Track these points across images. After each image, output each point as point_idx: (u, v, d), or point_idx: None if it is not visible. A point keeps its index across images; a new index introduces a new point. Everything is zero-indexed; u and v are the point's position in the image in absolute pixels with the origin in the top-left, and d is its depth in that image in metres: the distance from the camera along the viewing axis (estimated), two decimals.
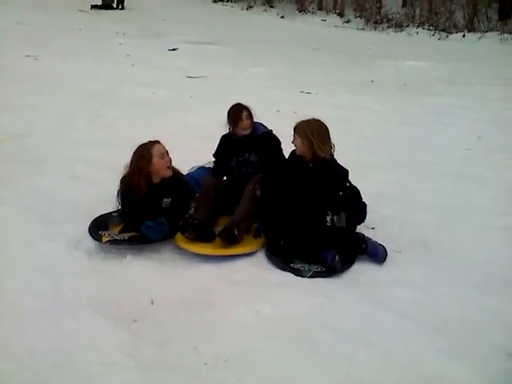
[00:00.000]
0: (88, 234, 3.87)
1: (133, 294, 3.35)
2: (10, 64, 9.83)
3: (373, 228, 4.21)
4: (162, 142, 4.14)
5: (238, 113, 4.49)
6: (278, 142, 4.53)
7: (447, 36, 18.29)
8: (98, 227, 3.94)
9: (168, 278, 3.55)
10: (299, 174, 3.98)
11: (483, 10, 20.00)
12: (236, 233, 3.83)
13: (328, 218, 3.83)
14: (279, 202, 3.99)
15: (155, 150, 4.03)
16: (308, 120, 4.05)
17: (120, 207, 4.13)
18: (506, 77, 11.24)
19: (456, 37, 18.12)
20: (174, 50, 12.21)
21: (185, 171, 4.89)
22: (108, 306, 3.22)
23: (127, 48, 12.02)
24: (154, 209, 3.97)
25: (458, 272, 3.71)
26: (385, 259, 3.76)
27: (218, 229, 4.01)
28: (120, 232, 3.97)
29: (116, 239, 3.81)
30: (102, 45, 12.30)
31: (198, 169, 5.07)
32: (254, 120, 4.55)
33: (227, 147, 4.56)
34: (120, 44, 12.49)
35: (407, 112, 8.41)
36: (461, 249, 4.05)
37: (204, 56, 12.19)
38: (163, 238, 3.89)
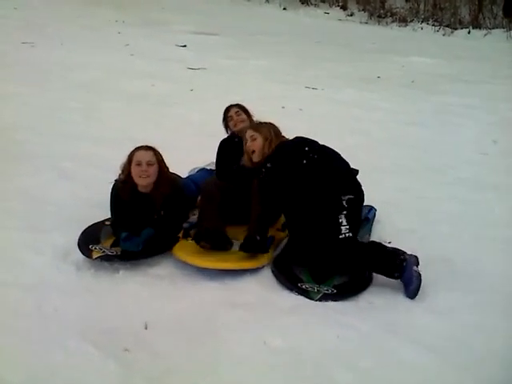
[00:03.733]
0: (77, 245, 3.50)
1: (125, 317, 2.98)
2: (5, 50, 9.38)
3: (389, 242, 3.85)
4: (154, 149, 3.72)
5: (226, 111, 4.43)
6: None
7: (452, 32, 17.88)
8: (88, 240, 3.56)
9: (165, 297, 3.18)
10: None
11: (489, 6, 19.60)
12: (258, 238, 3.49)
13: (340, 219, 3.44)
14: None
15: (135, 155, 3.65)
16: (262, 122, 3.92)
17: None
18: None
19: (461, 33, 17.72)
20: (183, 46, 11.75)
21: (184, 173, 4.56)
22: (97, 330, 2.85)
23: (126, 37, 11.60)
24: (143, 221, 3.62)
25: (486, 295, 3.35)
26: (416, 294, 3.28)
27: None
28: (112, 245, 3.59)
29: (108, 254, 3.43)
30: (100, 33, 11.88)
31: (198, 171, 4.73)
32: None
33: (228, 151, 4.20)
34: (119, 33, 12.07)
35: (416, 111, 8.06)
36: (487, 267, 3.70)
37: (205, 47, 11.81)
38: (152, 250, 3.54)
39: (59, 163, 4.95)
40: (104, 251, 3.44)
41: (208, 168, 4.73)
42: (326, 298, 3.24)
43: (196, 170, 4.78)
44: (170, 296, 3.21)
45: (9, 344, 2.72)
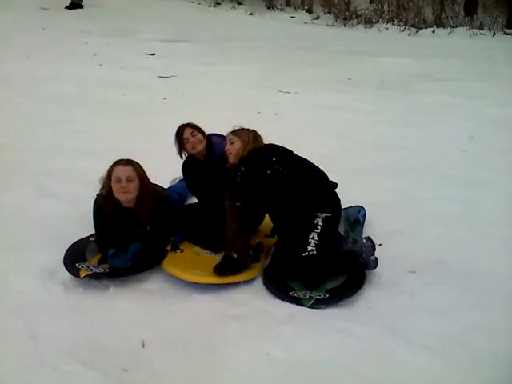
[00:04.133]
0: (63, 264, 3.37)
1: (120, 336, 2.87)
2: None
3: (380, 244, 3.80)
4: (134, 163, 3.59)
5: (180, 133, 4.06)
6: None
7: (417, 31, 18.06)
8: (74, 258, 3.43)
9: (159, 313, 3.07)
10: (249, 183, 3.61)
11: (450, 5, 19.88)
12: (235, 255, 3.38)
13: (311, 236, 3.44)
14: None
15: (114, 171, 3.52)
16: (243, 128, 3.84)
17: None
18: (482, 72, 11.04)
19: (426, 32, 17.93)
20: (152, 54, 11.62)
21: (165, 183, 4.47)
22: (92, 351, 2.74)
23: (94, 47, 11.42)
24: (128, 236, 3.50)
25: (484, 295, 3.30)
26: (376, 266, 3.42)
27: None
28: (100, 262, 3.46)
29: (96, 272, 3.30)
30: (67, 44, 11.66)
31: (180, 181, 4.64)
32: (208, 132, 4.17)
33: (195, 174, 4.08)
34: (86, 43, 11.89)
35: (391, 111, 8.05)
36: (482, 266, 3.64)
37: (174, 54, 11.70)
38: (141, 266, 3.43)
39: (38, 179, 4.80)
40: (91, 269, 3.32)
41: None
42: (318, 303, 3.16)
43: (177, 181, 4.69)
44: (164, 311, 3.10)
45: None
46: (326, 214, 3.51)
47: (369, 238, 3.51)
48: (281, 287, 3.34)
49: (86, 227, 3.78)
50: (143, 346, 2.80)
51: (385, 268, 3.47)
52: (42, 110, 7.14)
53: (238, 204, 3.58)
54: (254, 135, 3.79)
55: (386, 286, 3.35)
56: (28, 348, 2.74)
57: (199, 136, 4.03)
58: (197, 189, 4.09)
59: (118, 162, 3.55)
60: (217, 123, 6.45)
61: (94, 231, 3.70)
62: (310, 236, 3.41)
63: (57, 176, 4.90)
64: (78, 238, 3.69)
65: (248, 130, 3.83)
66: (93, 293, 3.24)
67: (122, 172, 3.49)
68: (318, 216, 3.49)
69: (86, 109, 7.34)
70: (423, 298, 3.26)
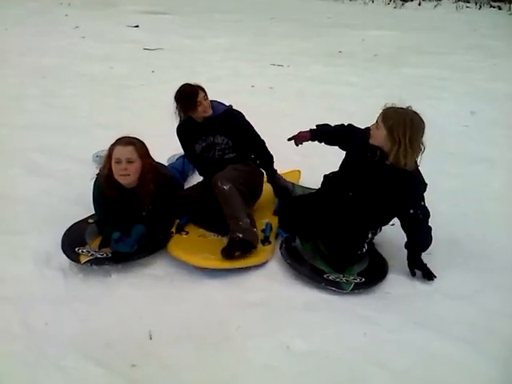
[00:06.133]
0: (60, 248, 3.12)
1: (125, 327, 2.65)
2: None
3: (392, 225, 3.62)
4: (135, 142, 3.27)
5: (193, 96, 3.67)
6: (243, 117, 3.82)
7: (403, 4, 17.94)
8: (72, 242, 3.18)
9: (166, 300, 2.86)
10: (371, 169, 3.19)
11: None
12: (240, 236, 3.18)
13: (369, 235, 3.30)
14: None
15: (114, 151, 3.23)
16: (403, 112, 3.15)
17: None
18: (473, 46, 10.92)
19: (412, 5, 17.81)
20: (135, 26, 11.27)
21: (163, 160, 4.23)
22: (96, 344, 2.53)
23: (75, 19, 11.06)
24: (131, 217, 3.26)
25: (502, 277, 3.17)
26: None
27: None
28: (101, 246, 3.22)
29: (97, 257, 3.06)
30: (46, 16, 11.28)
31: (178, 158, 4.42)
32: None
33: (188, 136, 3.82)
34: (66, 15, 11.50)
35: (387, 84, 7.82)
36: (493, 246, 3.52)
37: (158, 26, 11.38)
38: (145, 249, 3.21)
39: (27, 157, 4.52)
40: (92, 254, 3.08)
41: None
42: (357, 287, 3.00)
43: (176, 158, 4.47)
44: (172, 298, 2.88)
45: None
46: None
47: None
48: (313, 269, 3.17)
49: (81, 207, 3.57)
50: (150, 338, 2.60)
51: (399, 250, 3.30)
52: (26, 84, 6.82)
53: (226, 188, 3.32)
54: (410, 134, 3.06)
55: (402, 269, 3.19)
56: (26, 342, 2.52)
57: (208, 101, 3.73)
58: (191, 152, 3.87)
59: (118, 141, 3.26)
60: (210, 97, 6.28)
61: (90, 212, 3.46)
62: (369, 235, 3.30)
63: (48, 153, 4.64)
64: (74, 220, 3.45)
65: (405, 116, 3.12)
66: (94, 279, 3.01)
67: (122, 153, 3.21)
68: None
69: (73, 82, 7.04)
70: (441, 280, 3.11)
